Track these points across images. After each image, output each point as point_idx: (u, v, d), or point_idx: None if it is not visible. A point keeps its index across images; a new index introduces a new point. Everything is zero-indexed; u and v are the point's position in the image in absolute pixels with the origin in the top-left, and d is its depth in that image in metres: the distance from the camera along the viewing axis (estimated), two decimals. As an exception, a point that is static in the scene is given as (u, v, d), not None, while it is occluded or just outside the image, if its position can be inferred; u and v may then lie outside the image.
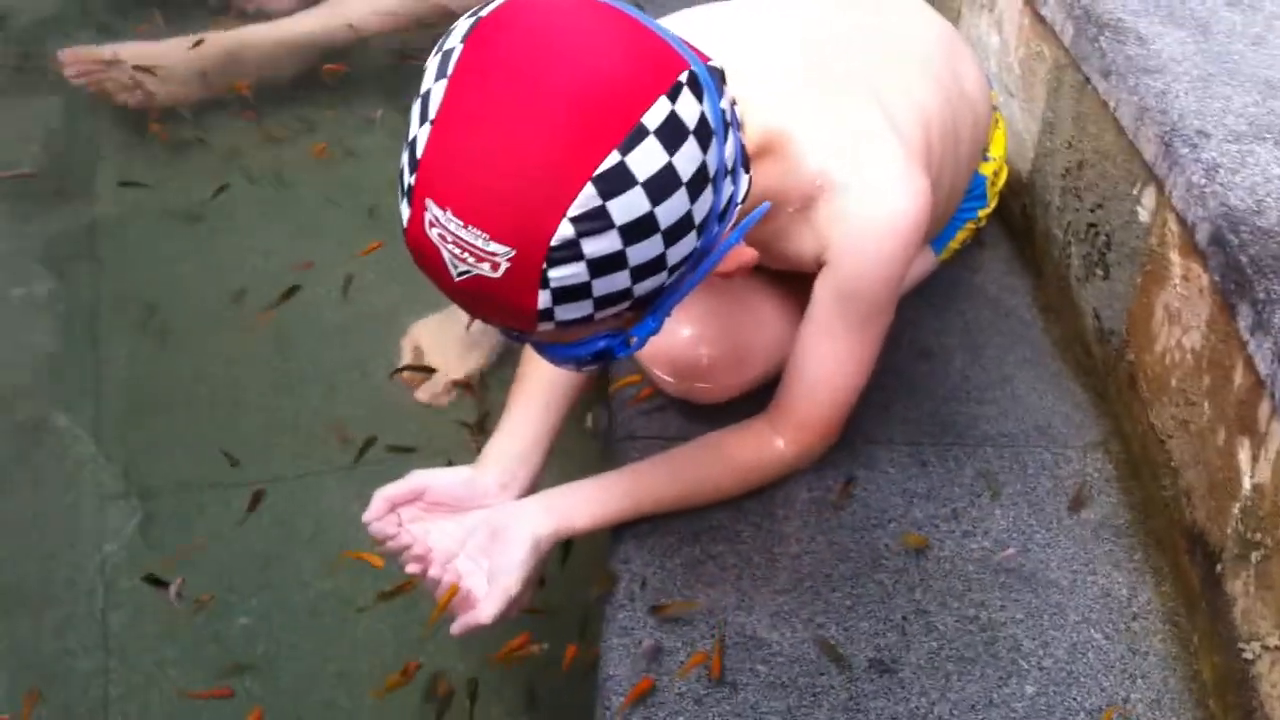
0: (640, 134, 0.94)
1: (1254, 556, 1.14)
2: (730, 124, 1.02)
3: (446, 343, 1.75)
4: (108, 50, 2.13)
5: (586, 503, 1.29)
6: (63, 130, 2.17)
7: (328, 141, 2.12)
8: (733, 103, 1.04)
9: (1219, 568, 1.20)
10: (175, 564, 1.51)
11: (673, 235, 0.98)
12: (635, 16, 0.99)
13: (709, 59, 1.02)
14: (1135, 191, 1.39)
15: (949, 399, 1.48)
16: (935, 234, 1.56)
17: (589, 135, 0.93)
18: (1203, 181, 1.24)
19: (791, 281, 1.36)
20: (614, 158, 0.93)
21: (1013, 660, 1.22)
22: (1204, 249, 1.23)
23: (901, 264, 1.25)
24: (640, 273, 0.98)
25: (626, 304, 1.00)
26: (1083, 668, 1.21)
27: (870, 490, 1.37)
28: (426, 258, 0.99)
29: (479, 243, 0.95)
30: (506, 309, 0.99)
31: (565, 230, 0.93)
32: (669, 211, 0.96)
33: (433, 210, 0.96)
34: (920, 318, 1.57)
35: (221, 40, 2.18)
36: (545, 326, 0.99)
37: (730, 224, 1.05)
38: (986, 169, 1.57)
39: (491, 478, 1.31)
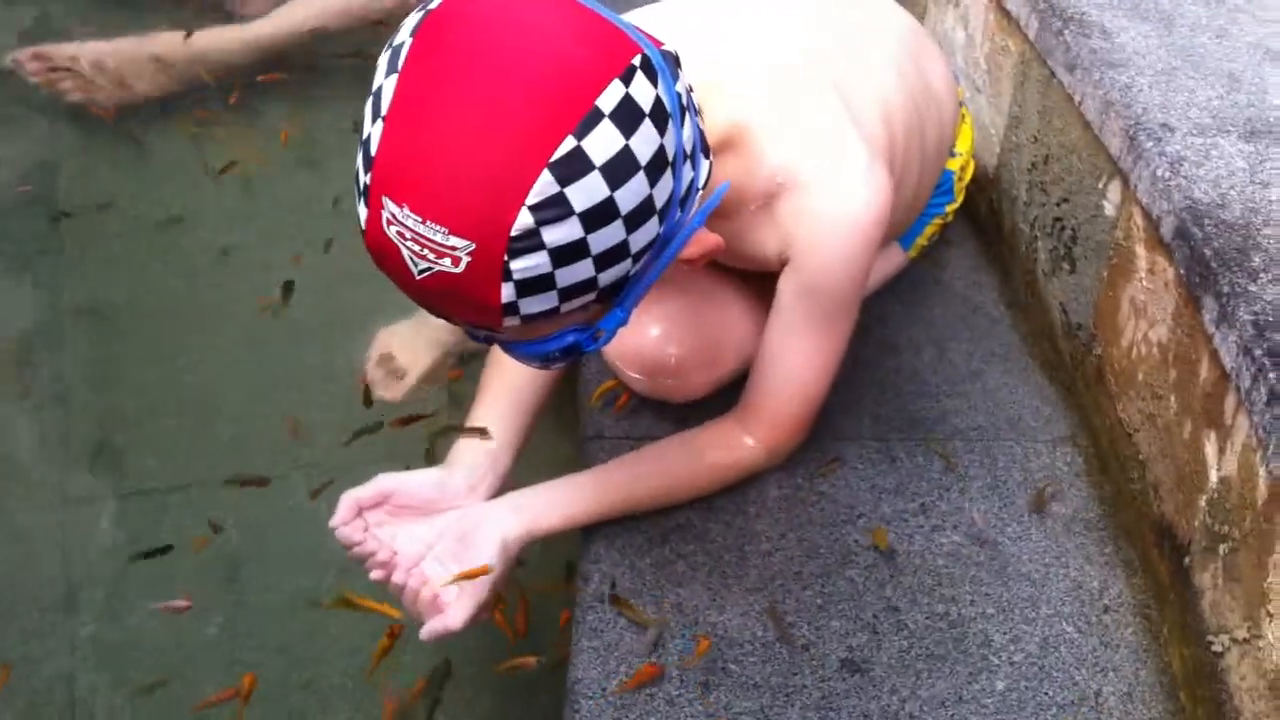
0: (595, 117, 0.93)
1: (1222, 549, 1.15)
2: (687, 108, 1.02)
3: (415, 345, 1.74)
4: (68, 49, 2.11)
5: (555, 504, 1.28)
6: (22, 129, 2.15)
7: (289, 134, 2.11)
8: (689, 88, 1.03)
9: (1187, 560, 1.21)
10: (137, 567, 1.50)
11: (634, 220, 0.97)
12: (586, 4, 0.99)
13: (661, 44, 1.02)
14: (1101, 185, 1.39)
15: (918, 394, 1.48)
16: (903, 230, 1.56)
17: (543, 122, 0.92)
18: (1167, 175, 1.24)
19: (759, 279, 1.36)
20: (569, 143, 0.93)
21: (983, 656, 1.22)
22: (1169, 242, 1.23)
23: (864, 260, 1.25)
24: (603, 260, 0.97)
25: (592, 294, 0.99)
26: (1054, 662, 1.21)
27: (839, 486, 1.37)
28: (386, 257, 0.98)
29: (438, 238, 0.94)
30: (470, 305, 0.98)
31: (525, 219, 0.93)
32: (629, 195, 0.96)
33: (390, 208, 0.95)
34: (889, 314, 1.57)
35: (183, 40, 2.16)
36: (511, 322, 0.98)
37: (693, 209, 1.05)
38: (953, 164, 1.57)
39: (460, 479, 1.30)
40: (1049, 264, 1.54)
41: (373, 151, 0.96)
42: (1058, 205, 1.51)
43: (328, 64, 2.25)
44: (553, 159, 0.92)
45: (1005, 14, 1.62)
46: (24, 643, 1.43)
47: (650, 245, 1.01)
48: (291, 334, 1.80)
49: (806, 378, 1.31)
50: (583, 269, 0.97)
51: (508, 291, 0.96)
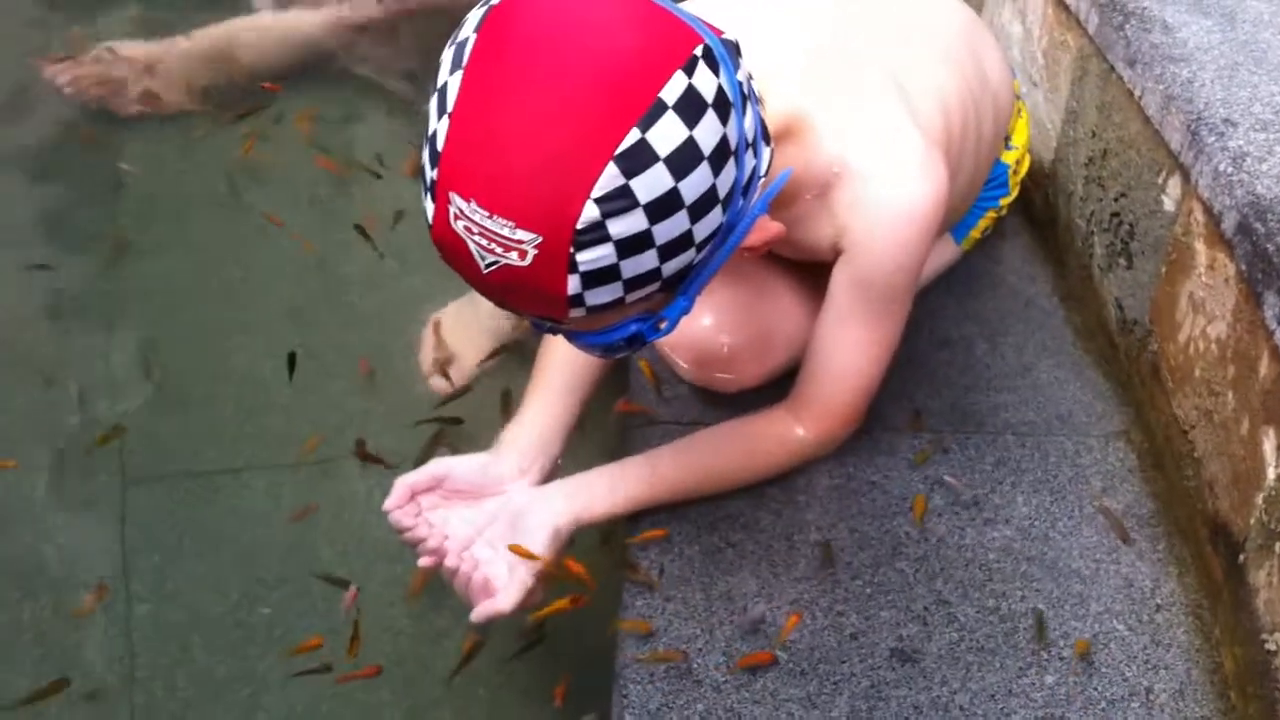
0: (659, 109, 0.93)
1: (1278, 547, 1.14)
2: (748, 96, 1.02)
3: (467, 328, 1.75)
4: (91, 54, 2.13)
5: (605, 490, 1.28)
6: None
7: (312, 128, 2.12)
8: (749, 76, 1.03)
9: (1242, 558, 1.20)
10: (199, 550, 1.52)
11: (698, 210, 0.97)
12: None
13: (722, 32, 1.02)
14: (1160, 180, 1.38)
15: (970, 388, 1.48)
16: (956, 222, 1.55)
17: (608, 114, 0.93)
18: (1229, 170, 1.23)
19: (812, 270, 1.35)
20: (634, 135, 0.93)
21: (1033, 650, 1.21)
22: (1230, 238, 1.22)
23: (919, 252, 1.25)
24: (668, 251, 0.97)
25: (656, 284, 1.00)
26: (1104, 658, 1.21)
27: (891, 478, 1.36)
28: (453, 252, 0.99)
29: (505, 231, 0.94)
30: (537, 297, 0.98)
31: (590, 212, 0.93)
32: (693, 186, 0.96)
33: (457, 203, 0.96)
34: (941, 307, 1.57)
35: (212, 37, 2.17)
36: (577, 313, 0.99)
37: (755, 197, 1.05)
38: (1009, 157, 1.56)
39: (511, 464, 1.31)
40: (1105, 259, 1.53)
41: (439, 147, 0.96)
42: (1115, 200, 1.50)
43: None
44: (618, 151, 0.93)
45: (1064, 8, 1.61)
46: (81, 625, 1.45)
47: (714, 234, 1.01)
48: (345, 320, 1.81)
49: (859, 368, 1.31)
50: (647, 259, 0.97)
51: (574, 283, 0.96)
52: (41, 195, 2.02)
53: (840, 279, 1.28)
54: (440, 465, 1.29)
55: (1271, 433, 1.16)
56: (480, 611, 1.22)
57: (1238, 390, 1.22)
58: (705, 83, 0.96)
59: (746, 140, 1.01)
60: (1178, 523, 1.33)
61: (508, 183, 0.94)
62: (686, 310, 1.07)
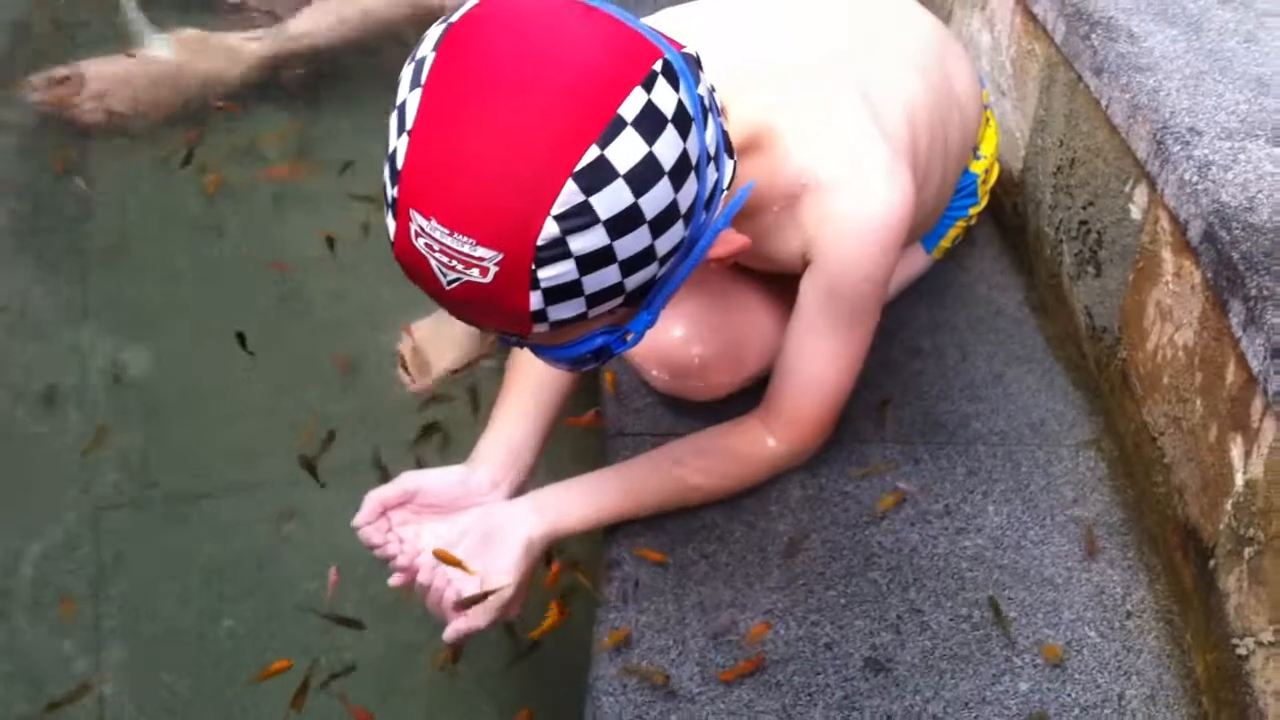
0: (618, 126, 0.93)
1: (1247, 552, 1.14)
2: (710, 110, 1.02)
3: (442, 339, 1.75)
4: (68, 69, 2.12)
5: (579, 503, 1.28)
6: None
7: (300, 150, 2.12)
8: (711, 89, 1.03)
9: (1212, 564, 1.20)
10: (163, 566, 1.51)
11: (659, 225, 0.97)
12: (605, 10, 0.99)
13: (683, 46, 1.02)
14: (1127, 189, 1.39)
15: (941, 397, 1.48)
16: (926, 231, 1.56)
17: (566, 132, 0.93)
18: (1195, 179, 1.24)
19: (782, 280, 1.36)
20: (593, 152, 0.93)
21: (1006, 658, 1.21)
22: (1196, 246, 1.23)
23: (887, 261, 1.25)
24: (630, 266, 0.97)
25: (619, 299, 1.00)
26: (1077, 665, 1.21)
27: (863, 488, 1.37)
28: (416, 268, 0.98)
29: (466, 249, 0.94)
30: (500, 313, 0.98)
31: (550, 229, 0.93)
32: (653, 202, 0.96)
33: (417, 220, 0.95)
34: (912, 316, 1.57)
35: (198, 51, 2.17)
36: (540, 328, 0.99)
37: (717, 210, 1.05)
38: (977, 167, 1.57)
39: (483, 476, 1.31)
40: (1074, 267, 1.54)
41: (399, 165, 0.96)
42: (1083, 209, 1.50)
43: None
44: (577, 168, 0.92)
45: (1032, 18, 1.62)
46: (52, 640, 1.44)
47: (677, 248, 1.01)
48: (318, 331, 1.80)
49: (829, 378, 1.31)
50: (609, 275, 0.97)
51: (536, 299, 0.96)
52: (6, 213, 2.01)
53: (808, 289, 1.28)
54: (411, 479, 1.29)
55: (1239, 439, 1.16)
56: (453, 629, 1.21)
57: (1205, 397, 1.23)
58: (664, 98, 0.96)
59: (708, 154, 1.01)
60: (1148, 530, 1.34)
61: (468, 201, 0.94)
62: (651, 323, 1.07)
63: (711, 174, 1.02)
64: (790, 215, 1.25)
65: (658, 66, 0.96)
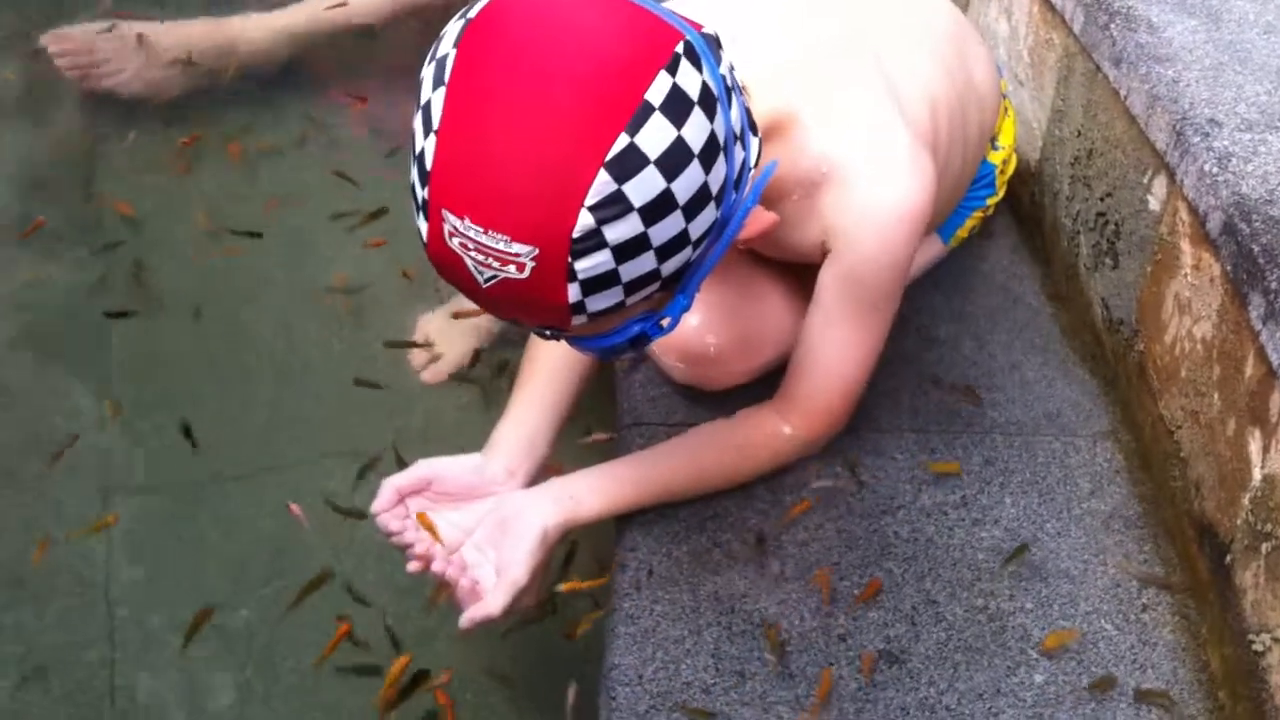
0: (646, 111, 0.93)
1: (1264, 548, 1.14)
2: (733, 89, 1.02)
3: (454, 330, 1.75)
4: (91, 30, 2.10)
5: (594, 492, 1.28)
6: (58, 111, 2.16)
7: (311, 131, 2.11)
8: (731, 68, 1.03)
9: (1228, 559, 1.20)
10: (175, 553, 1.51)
11: (692, 209, 0.97)
12: None
13: (701, 26, 1.01)
14: (1145, 180, 1.38)
15: (957, 387, 1.48)
16: (942, 221, 1.55)
17: (595, 121, 0.92)
18: (1214, 170, 1.24)
19: (799, 270, 1.35)
20: (623, 140, 0.93)
21: (1021, 650, 1.21)
22: (1215, 238, 1.22)
23: (906, 251, 1.25)
24: (665, 251, 0.98)
25: (655, 285, 1.00)
26: (1092, 657, 1.21)
27: (879, 478, 1.36)
28: (451, 268, 0.98)
29: (501, 246, 0.94)
30: (538, 308, 0.98)
31: (585, 220, 0.93)
32: (685, 185, 0.96)
33: (450, 220, 0.95)
34: (928, 306, 1.57)
35: (211, 28, 2.16)
36: (579, 320, 0.99)
37: (746, 188, 1.05)
38: (995, 157, 1.56)
39: (499, 465, 1.31)
40: (1091, 259, 1.53)
41: (428, 165, 0.96)
42: (1101, 200, 1.50)
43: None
44: (608, 158, 0.92)
45: (1050, 7, 1.61)
46: (61, 628, 1.45)
47: (710, 230, 1.01)
48: (333, 322, 1.80)
49: (845, 368, 1.31)
50: (645, 261, 0.97)
51: (574, 291, 0.96)
52: (21, 198, 2.02)
53: (827, 278, 1.28)
54: (428, 467, 1.29)
55: (1257, 433, 1.16)
56: (469, 616, 1.21)
57: (1223, 390, 1.22)
58: (689, 80, 0.96)
59: (734, 133, 1.01)
60: (1164, 523, 1.34)
61: (500, 198, 0.93)
62: (687, 307, 1.08)
63: (739, 153, 1.02)
64: (810, 203, 1.24)
65: (680, 49, 0.96)
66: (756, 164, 1.06)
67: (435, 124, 0.96)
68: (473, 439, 1.35)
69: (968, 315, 1.57)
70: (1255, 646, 1.14)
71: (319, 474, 1.58)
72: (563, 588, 1.28)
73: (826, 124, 1.22)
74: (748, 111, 1.05)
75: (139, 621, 1.45)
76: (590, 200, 0.93)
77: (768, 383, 1.36)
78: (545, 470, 1.34)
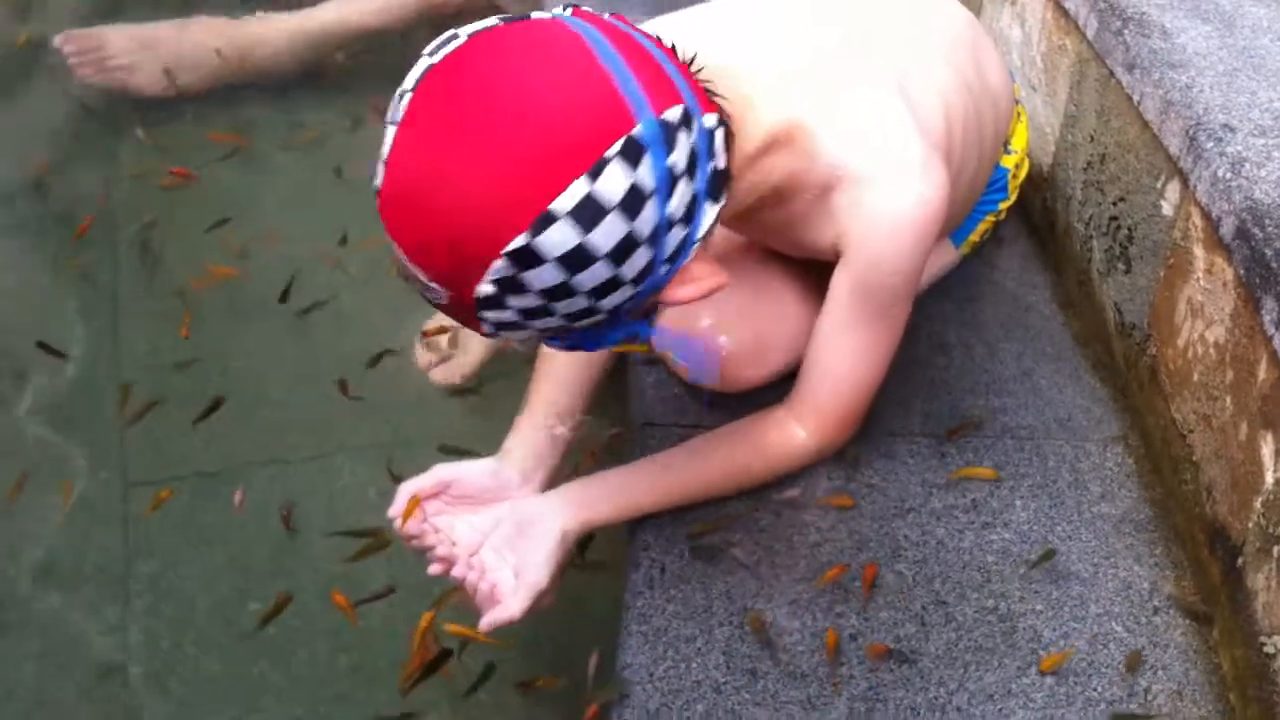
0: (548, 220, 0.95)
1: (1276, 551, 1.14)
2: (686, 173, 1.01)
3: (463, 330, 1.75)
4: (105, 32, 2.12)
5: (610, 495, 1.29)
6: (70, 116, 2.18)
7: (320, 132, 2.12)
8: (715, 125, 1.03)
9: (1240, 562, 1.20)
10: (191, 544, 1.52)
11: (600, 292, 1.01)
12: (597, 59, 0.98)
13: (676, 101, 1.00)
14: (1159, 185, 1.38)
15: (969, 392, 1.48)
16: (956, 226, 1.56)
17: (504, 212, 0.95)
18: (1228, 175, 1.24)
19: (813, 270, 1.36)
20: (522, 239, 0.95)
21: (1032, 651, 1.22)
22: (1228, 243, 1.23)
23: (918, 256, 1.25)
24: (574, 316, 1.02)
25: (572, 332, 1.05)
26: (1103, 659, 1.21)
27: (890, 481, 1.37)
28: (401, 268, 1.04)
29: (423, 278, 1.00)
30: (467, 327, 1.05)
31: (486, 288, 0.98)
32: (590, 277, 0.99)
33: (392, 240, 1.00)
34: (940, 311, 1.57)
35: (232, 30, 2.17)
36: (501, 339, 1.06)
37: (689, 255, 1.05)
38: (1008, 162, 1.56)
39: (514, 469, 1.32)
40: (1104, 264, 1.53)
41: (377, 185, 1.00)
42: (1114, 205, 1.50)
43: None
44: (507, 249, 0.96)
45: (1063, 12, 1.62)
46: (85, 619, 1.46)
47: (628, 299, 1.03)
48: (339, 320, 1.81)
49: (858, 372, 1.31)
50: (553, 321, 1.02)
51: (488, 328, 1.03)
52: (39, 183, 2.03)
53: (840, 282, 1.28)
54: (445, 471, 1.30)
55: (1270, 437, 1.16)
56: (489, 619, 1.21)
57: (1236, 395, 1.23)
58: (612, 186, 0.96)
59: (668, 221, 1.01)
60: (1176, 527, 1.34)
61: (421, 244, 0.98)
62: (632, 332, 1.11)
63: (675, 235, 1.02)
64: (823, 205, 1.24)
65: (615, 148, 0.96)
66: (709, 232, 1.06)
67: (384, 154, 0.99)
68: (486, 441, 1.36)
69: (979, 322, 1.58)
70: (1266, 649, 1.14)
71: (331, 471, 1.59)
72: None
73: (836, 130, 1.22)
74: (715, 174, 1.04)
75: (155, 612, 1.47)
76: (491, 276, 0.97)
77: (782, 386, 1.36)
78: (588, 457, 1.37)
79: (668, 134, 0.99)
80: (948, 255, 1.59)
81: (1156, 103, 1.37)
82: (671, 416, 1.43)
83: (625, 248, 0.98)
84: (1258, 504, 1.18)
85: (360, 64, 2.25)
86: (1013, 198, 1.60)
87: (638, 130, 0.97)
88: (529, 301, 0.99)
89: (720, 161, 1.05)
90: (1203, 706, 1.18)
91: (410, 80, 0.99)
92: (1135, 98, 1.42)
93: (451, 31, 1.01)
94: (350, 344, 1.76)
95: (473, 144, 0.95)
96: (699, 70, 1.07)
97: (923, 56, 1.34)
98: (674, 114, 1.00)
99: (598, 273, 0.98)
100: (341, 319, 1.82)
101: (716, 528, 1.30)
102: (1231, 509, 1.23)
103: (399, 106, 0.99)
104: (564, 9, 1.03)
